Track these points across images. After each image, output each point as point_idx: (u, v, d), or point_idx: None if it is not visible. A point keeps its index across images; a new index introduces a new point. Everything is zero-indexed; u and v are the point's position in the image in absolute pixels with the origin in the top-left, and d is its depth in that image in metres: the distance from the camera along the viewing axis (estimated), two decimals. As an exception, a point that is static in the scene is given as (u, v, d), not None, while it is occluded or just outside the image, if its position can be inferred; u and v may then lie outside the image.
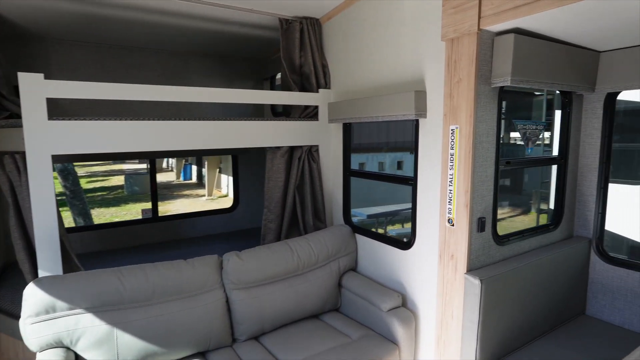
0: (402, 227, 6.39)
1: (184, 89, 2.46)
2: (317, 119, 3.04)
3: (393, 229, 6.26)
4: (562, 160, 2.50)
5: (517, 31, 1.89)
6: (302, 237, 2.78)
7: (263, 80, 4.37)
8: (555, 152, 2.57)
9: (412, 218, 2.45)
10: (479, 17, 1.84)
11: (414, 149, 2.40)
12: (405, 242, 2.55)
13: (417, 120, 2.35)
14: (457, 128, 2.01)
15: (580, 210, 2.60)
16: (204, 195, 13.38)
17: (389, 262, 2.65)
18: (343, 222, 3.10)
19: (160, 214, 4.12)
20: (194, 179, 15.70)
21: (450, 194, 2.08)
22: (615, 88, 2.31)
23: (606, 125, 2.42)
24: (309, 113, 3.06)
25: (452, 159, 2.05)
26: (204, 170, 14.02)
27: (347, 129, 3.01)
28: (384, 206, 5.93)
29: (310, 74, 3.01)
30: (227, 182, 12.92)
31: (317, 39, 3.03)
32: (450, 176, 2.07)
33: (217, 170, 13.43)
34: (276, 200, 2.99)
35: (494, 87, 1.97)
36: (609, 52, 2.29)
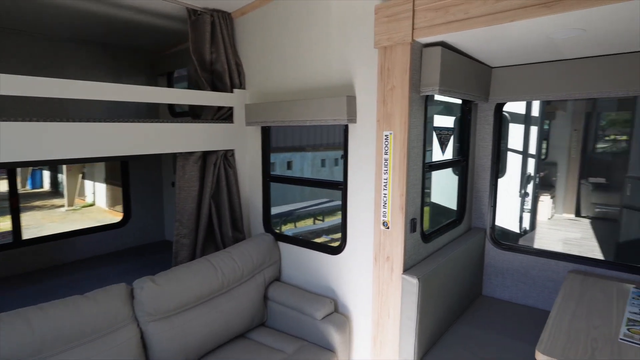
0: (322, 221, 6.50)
1: (61, 81, 1.95)
2: (232, 122, 2.81)
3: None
4: (464, 161, 2.82)
5: (442, 44, 2.04)
6: (224, 252, 2.54)
7: (158, 76, 3.87)
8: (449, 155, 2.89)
9: (343, 223, 2.45)
10: (413, 29, 1.92)
11: (343, 154, 2.40)
12: (335, 247, 2.54)
13: (346, 125, 2.35)
14: (391, 134, 2.07)
15: (476, 205, 2.97)
16: (62, 206, 11.35)
17: (318, 269, 2.61)
18: (264, 231, 2.94)
19: (25, 237, 3.29)
20: (47, 187, 13.20)
21: (385, 198, 2.14)
22: (503, 100, 2.70)
23: (496, 131, 2.81)
24: (223, 115, 2.81)
25: (386, 163, 2.11)
26: (61, 176, 11.91)
27: (266, 132, 2.86)
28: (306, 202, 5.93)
29: (224, 73, 2.77)
30: (92, 189, 11.23)
31: (229, 35, 2.79)
32: (385, 180, 2.13)
33: (80, 175, 11.55)
34: (189, 212, 2.66)
35: (422, 95, 2.09)
36: (498, 68, 2.66)
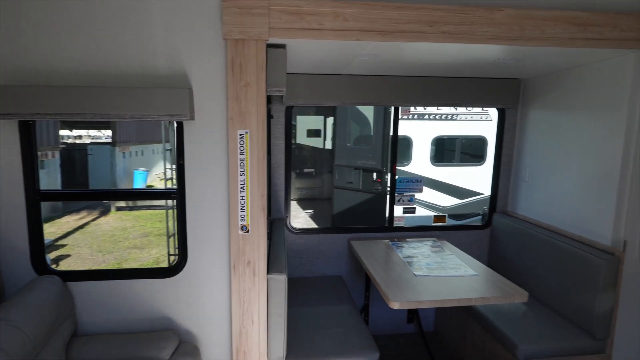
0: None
1: None
2: (-41, 112, 1.74)
3: None
4: (269, 159, 2.99)
5: (283, 47, 2.12)
6: (-5, 320, 1.59)
7: None
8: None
9: (181, 238, 2.09)
10: (269, 27, 1.90)
11: (176, 157, 2.04)
12: (167, 268, 2.12)
13: (180, 123, 2.00)
14: (247, 133, 1.98)
15: (274, 197, 3.22)
16: None
17: (146, 300, 2.10)
18: (35, 274, 2.02)
19: None
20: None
21: (242, 201, 2.02)
22: (291, 103, 3.06)
23: (288, 131, 3.15)
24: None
25: (242, 164, 2.00)
26: None
27: (28, 128, 1.95)
28: None
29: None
30: None
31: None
32: (242, 182, 2.01)
33: None
34: None
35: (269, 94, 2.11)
36: (292, 75, 2.98)
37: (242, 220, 2.03)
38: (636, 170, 2.38)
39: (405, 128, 5.65)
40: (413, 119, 5.67)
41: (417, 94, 3.13)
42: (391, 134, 5.48)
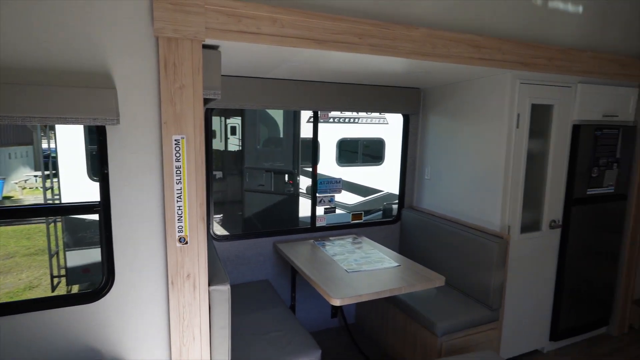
0: None
1: None
2: None
3: None
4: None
5: (216, 48, 2.04)
6: None
7: None
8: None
9: (106, 256, 1.86)
10: (206, 27, 1.82)
11: (99, 165, 1.80)
12: (91, 293, 1.86)
13: (103, 128, 1.78)
14: (183, 138, 1.85)
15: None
16: None
17: (65, 332, 1.81)
18: None
19: None
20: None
21: (180, 211, 1.89)
22: (211, 106, 2.94)
23: (208, 134, 3.01)
24: None
25: (179, 172, 1.87)
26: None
27: None
28: None
29: None
30: None
31: None
32: (179, 191, 1.88)
33: None
34: None
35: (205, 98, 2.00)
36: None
37: (180, 231, 1.90)
38: (515, 167, 2.91)
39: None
40: (321, 121, 5.91)
41: (334, 100, 3.30)
42: (301, 136, 5.64)
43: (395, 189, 6.50)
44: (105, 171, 1.81)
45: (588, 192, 3.24)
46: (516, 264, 3.01)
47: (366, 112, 3.40)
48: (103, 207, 1.83)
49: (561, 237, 3.24)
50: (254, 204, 5.51)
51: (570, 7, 2.93)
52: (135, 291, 1.92)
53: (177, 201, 1.88)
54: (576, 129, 3.13)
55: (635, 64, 3.18)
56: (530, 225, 3.12)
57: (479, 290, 2.92)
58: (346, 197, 6.12)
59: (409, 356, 2.95)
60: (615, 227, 3.48)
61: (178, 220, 1.89)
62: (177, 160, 1.85)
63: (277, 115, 5.52)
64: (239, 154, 5.42)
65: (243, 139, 5.40)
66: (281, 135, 5.53)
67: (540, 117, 3.02)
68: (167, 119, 1.81)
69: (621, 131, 3.31)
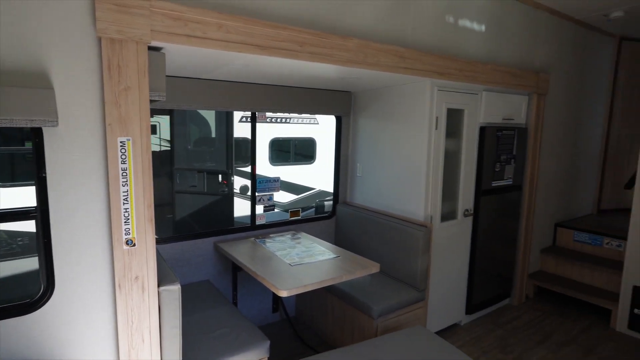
0: None
1: None
2: None
3: None
4: None
5: (160, 49, 2.04)
6: None
7: None
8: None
9: (45, 264, 1.77)
10: (151, 30, 1.82)
11: (35, 168, 1.71)
12: (28, 303, 1.76)
13: (39, 129, 1.70)
14: (129, 140, 1.84)
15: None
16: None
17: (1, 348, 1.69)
18: None
19: None
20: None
21: (127, 213, 1.87)
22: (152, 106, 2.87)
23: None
24: None
25: (125, 174, 1.85)
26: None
27: None
28: None
29: None
30: None
31: None
32: (125, 193, 1.86)
33: None
34: None
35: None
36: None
37: (127, 234, 1.89)
38: (434, 164, 3.30)
39: (246, 131, 5.87)
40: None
41: (272, 101, 3.41)
42: (235, 136, 5.62)
43: (326, 187, 6.82)
44: (43, 175, 1.73)
45: (493, 184, 3.78)
46: (438, 249, 3.42)
47: (302, 113, 3.57)
48: (40, 212, 1.74)
49: (473, 224, 3.74)
50: (186, 206, 5.38)
51: (475, 26, 3.40)
52: (78, 298, 1.86)
53: (124, 203, 1.86)
54: (482, 130, 3.64)
55: (525, 76, 3.78)
56: (448, 214, 3.56)
57: (408, 275, 3.26)
58: (281, 196, 6.24)
59: (348, 340, 3.19)
60: (513, 213, 4.10)
61: (125, 222, 1.87)
62: (124, 162, 1.84)
63: (209, 114, 5.44)
64: (167, 155, 5.24)
65: (172, 139, 5.24)
66: (213, 135, 5.46)
67: (454, 120, 3.46)
68: (111, 121, 1.79)
69: (516, 132, 3.91)
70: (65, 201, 1.78)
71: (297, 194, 6.59)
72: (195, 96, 3.02)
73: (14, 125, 1.59)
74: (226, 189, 5.33)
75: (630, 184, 4.77)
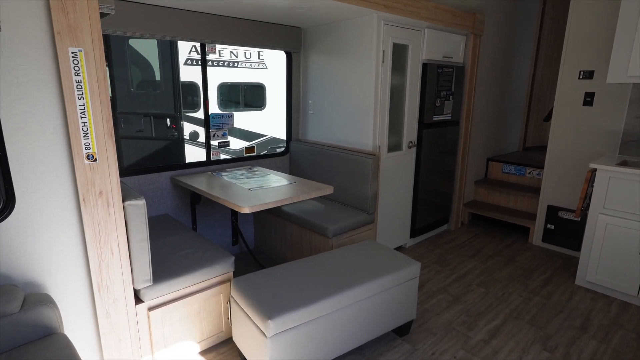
0: None
1: None
2: None
3: None
4: None
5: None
6: None
7: None
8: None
9: (2, 174, 1.74)
10: None
11: (-19, 76, 1.64)
12: (-13, 217, 1.74)
13: (-19, 33, 1.61)
14: (80, 51, 1.80)
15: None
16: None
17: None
18: None
19: None
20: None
21: (85, 127, 1.86)
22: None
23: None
24: None
25: (80, 86, 1.82)
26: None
27: None
28: None
29: None
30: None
31: None
32: (82, 106, 1.84)
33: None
34: None
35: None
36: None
37: (87, 148, 1.89)
38: (382, 98, 3.50)
39: (192, 74, 5.66)
40: (197, 64, 5.74)
41: (221, 33, 3.36)
42: (181, 77, 5.42)
43: (278, 134, 6.85)
44: (-11, 85, 1.66)
45: (434, 118, 4.10)
46: (385, 178, 3.71)
47: (252, 47, 3.53)
48: (-9, 124, 1.69)
49: (416, 155, 4.07)
50: (132, 153, 5.21)
51: (420, -40, 3.53)
52: (41, 212, 1.86)
53: (82, 117, 1.85)
54: (425, 66, 3.87)
55: (464, 17, 4.03)
56: (394, 146, 3.83)
57: (359, 200, 3.53)
58: (232, 143, 6.20)
59: (305, 262, 3.45)
60: (452, 147, 4.50)
61: (84, 137, 1.87)
62: (77, 75, 1.81)
63: (152, 56, 5.16)
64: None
65: (112, 82, 4.94)
66: (158, 78, 5.23)
67: (399, 56, 3.65)
68: (60, 29, 1.73)
69: (455, 70, 4.21)
70: (16, 114, 1.74)
71: (249, 141, 6.60)
72: (143, 23, 2.90)
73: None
74: (176, 134, 5.22)
75: (548, 117, 5.38)
